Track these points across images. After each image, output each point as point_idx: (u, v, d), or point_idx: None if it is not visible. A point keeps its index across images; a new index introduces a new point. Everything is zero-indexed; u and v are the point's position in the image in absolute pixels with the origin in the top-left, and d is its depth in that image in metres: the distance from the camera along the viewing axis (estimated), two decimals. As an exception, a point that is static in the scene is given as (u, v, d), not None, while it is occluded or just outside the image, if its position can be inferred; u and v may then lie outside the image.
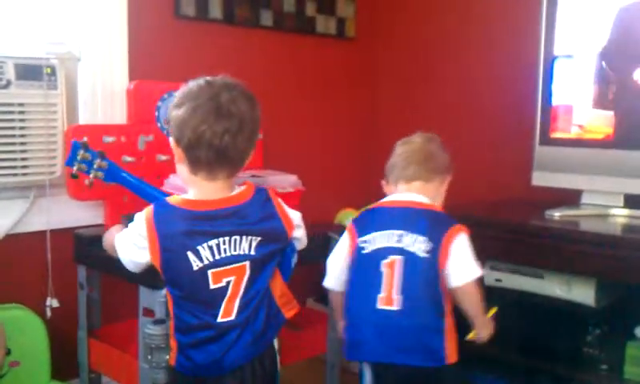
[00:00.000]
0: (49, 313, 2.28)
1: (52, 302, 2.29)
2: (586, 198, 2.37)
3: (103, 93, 2.44)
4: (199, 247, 1.49)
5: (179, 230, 1.49)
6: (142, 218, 1.53)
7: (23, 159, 2.26)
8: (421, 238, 1.72)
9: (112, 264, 2.04)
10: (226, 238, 1.51)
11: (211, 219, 1.51)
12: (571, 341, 2.19)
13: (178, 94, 1.55)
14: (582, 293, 2.13)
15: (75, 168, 1.86)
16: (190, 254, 1.48)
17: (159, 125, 2.35)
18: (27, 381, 2.15)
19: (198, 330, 1.53)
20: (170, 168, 2.27)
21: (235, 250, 1.52)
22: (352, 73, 3.33)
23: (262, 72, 2.91)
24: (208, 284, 1.51)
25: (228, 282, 1.52)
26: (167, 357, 1.71)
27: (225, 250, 1.51)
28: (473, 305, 1.75)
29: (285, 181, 2.28)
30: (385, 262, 1.73)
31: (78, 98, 2.43)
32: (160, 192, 1.82)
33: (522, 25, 2.67)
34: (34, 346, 2.17)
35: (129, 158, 2.27)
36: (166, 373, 1.76)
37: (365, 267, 1.76)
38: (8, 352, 2.01)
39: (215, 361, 1.53)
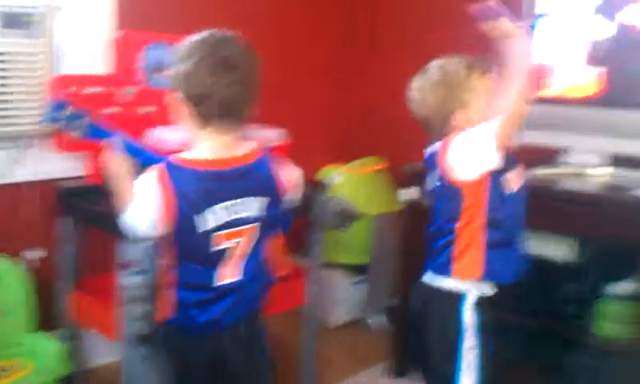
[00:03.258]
0: (31, 264, 2.29)
1: (34, 254, 2.30)
2: (569, 157, 2.40)
3: (87, 42, 2.41)
4: (213, 208, 1.48)
5: (194, 190, 1.47)
6: (154, 176, 1.47)
7: (5, 109, 2.26)
8: None
9: (94, 216, 2.07)
10: (239, 199, 1.51)
11: (225, 179, 1.50)
12: (546, 296, 2.23)
13: (181, 49, 1.51)
14: (560, 250, 2.16)
15: (58, 125, 1.75)
16: (204, 215, 1.47)
17: (144, 76, 2.34)
18: (11, 331, 2.18)
19: (201, 289, 1.53)
20: (154, 120, 2.28)
21: (246, 211, 1.52)
22: (334, 18, 3.29)
23: (251, 21, 2.87)
24: (217, 244, 1.50)
25: (235, 243, 1.52)
26: (149, 308, 1.74)
27: (237, 210, 1.50)
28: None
29: (270, 135, 2.28)
30: None
31: (61, 48, 2.41)
32: (158, 156, 1.76)
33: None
34: (17, 296, 2.19)
35: (113, 109, 2.26)
36: (146, 324, 1.79)
37: None
38: (-9, 301, 2.04)
39: (215, 321, 1.55)
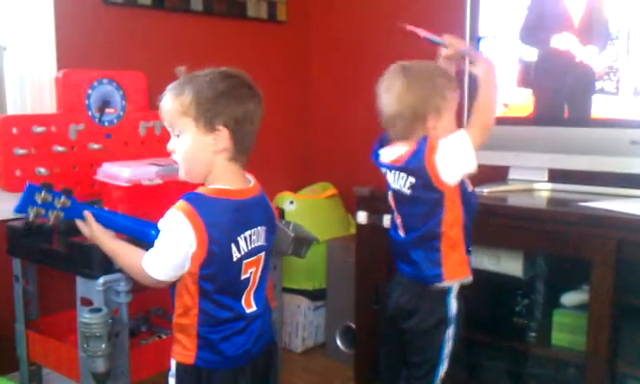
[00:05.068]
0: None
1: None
2: (513, 174, 2.47)
3: (31, 82, 2.39)
4: (239, 238, 1.49)
5: (224, 221, 1.47)
6: (179, 214, 1.44)
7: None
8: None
9: (47, 255, 2.04)
10: (255, 229, 1.53)
11: (246, 209, 1.52)
12: (501, 311, 2.28)
13: (225, 85, 1.52)
14: (511, 265, 2.22)
15: (32, 214, 1.57)
16: (232, 245, 1.48)
17: (90, 113, 2.32)
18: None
19: (230, 322, 1.52)
20: (102, 156, 2.27)
21: (259, 241, 1.54)
22: (285, 56, 3.34)
23: (193, 57, 2.88)
24: (240, 275, 1.51)
25: (251, 273, 1.54)
26: (103, 345, 1.72)
27: (254, 240, 1.53)
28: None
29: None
30: None
31: (5, 89, 2.38)
32: (134, 219, 1.69)
33: (449, 5, 2.73)
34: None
35: (60, 148, 2.23)
36: (105, 361, 1.77)
37: None
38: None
39: (246, 351, 1.54)
